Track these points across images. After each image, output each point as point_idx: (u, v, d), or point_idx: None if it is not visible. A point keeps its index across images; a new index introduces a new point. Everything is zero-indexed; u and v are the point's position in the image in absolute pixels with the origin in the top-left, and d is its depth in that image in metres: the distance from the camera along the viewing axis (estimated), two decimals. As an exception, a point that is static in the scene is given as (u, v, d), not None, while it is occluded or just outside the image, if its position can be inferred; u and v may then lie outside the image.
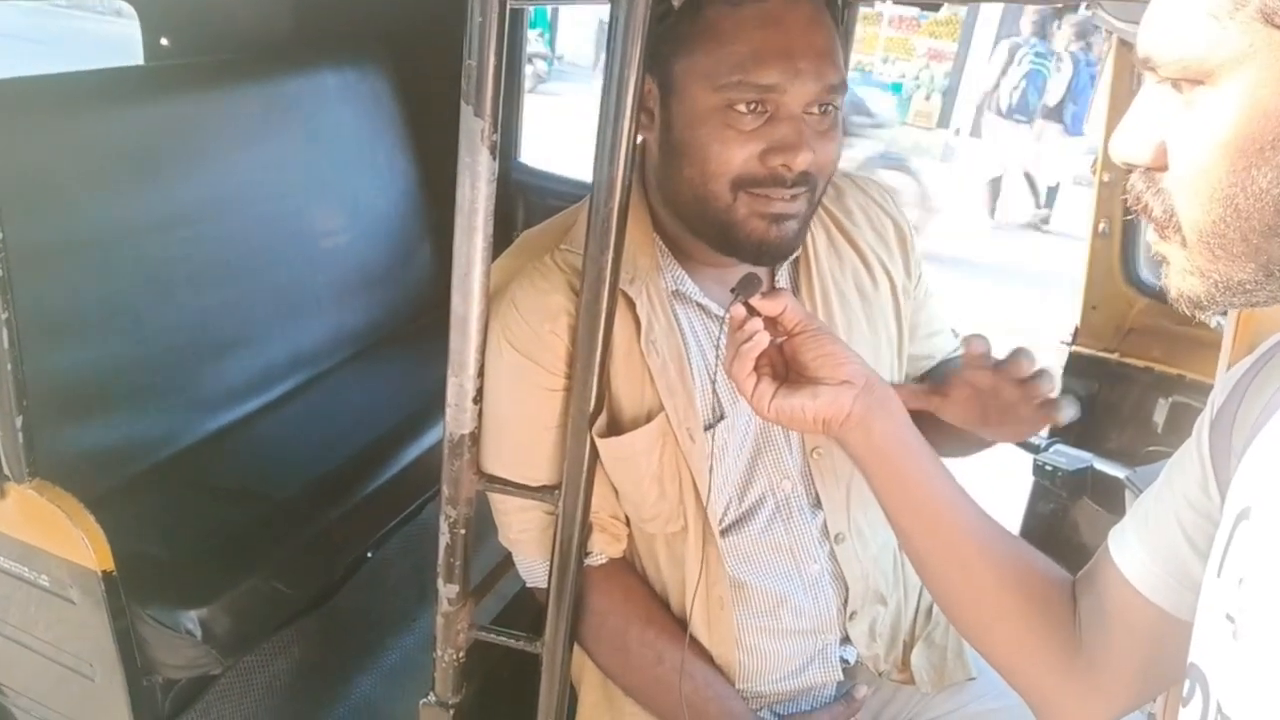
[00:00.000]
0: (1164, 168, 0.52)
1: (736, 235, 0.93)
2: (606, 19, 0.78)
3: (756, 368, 0.84)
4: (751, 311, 0.84)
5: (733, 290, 0.86)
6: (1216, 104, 0.47)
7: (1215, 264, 0.51)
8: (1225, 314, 1.06)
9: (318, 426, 1.91)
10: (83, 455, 1.55)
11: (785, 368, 0.87)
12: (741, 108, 0.88)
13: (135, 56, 2.32)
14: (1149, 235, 0.56)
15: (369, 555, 1.74)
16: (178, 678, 1.43)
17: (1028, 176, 7.71)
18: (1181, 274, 0.53)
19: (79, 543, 1.26)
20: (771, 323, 0.85)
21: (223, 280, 1.85)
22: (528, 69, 3.15)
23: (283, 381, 1.99)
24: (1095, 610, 0.75)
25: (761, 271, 0.97)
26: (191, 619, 1.37)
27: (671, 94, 0.92)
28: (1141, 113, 0.53)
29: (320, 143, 2.13)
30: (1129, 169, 0.55)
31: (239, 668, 1.53)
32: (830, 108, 0.92)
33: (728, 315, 0.86)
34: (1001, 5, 10.16)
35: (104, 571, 1.27)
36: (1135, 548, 0.71)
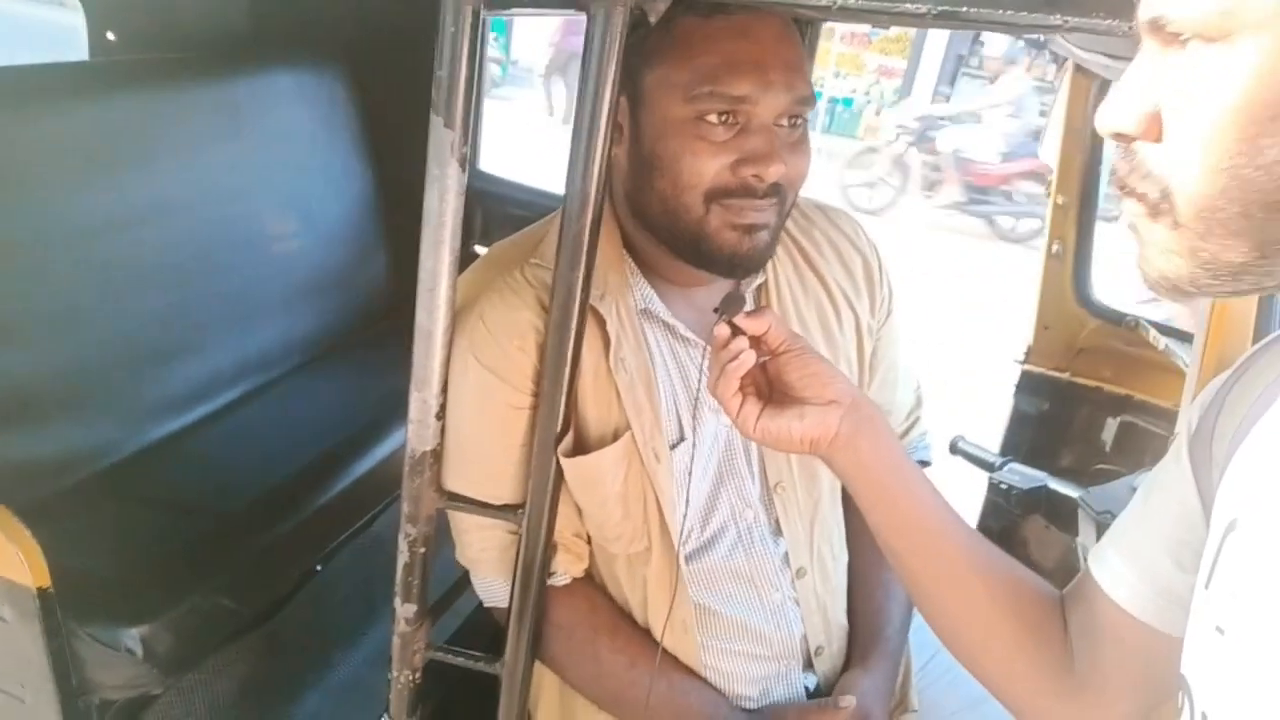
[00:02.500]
0: (1155, 138, 0.50)
1: (708, 247, 0.92)
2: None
3: (741, 388, 0.83)
4: (735, 330, 0.83)
5: (716, 309, 0.85)
6: (1230, 65, 0.45)
7: (1207, 242, 0.48)
8: (1191, 336, 1.08)
9: (266, 436, 1.86)
10: (18, 465, 1.50)
11: (769, 388, 0.86)
12: (713, 118, 0.87)
13: (79, 50, 2.25)
14: (1129, 215, 0.52)
15: (318, 569, 1.70)
16: (115, 698, 1.37)
17: None
18: (1165, 254, 0.50)
19: (13, 558, 1.20)
20: (755, 342, 0.84)
21: (168, 284, 1.80)
22: (484, 74, 3.13)
23: (230, 389, 1.94)
24: (1085, 629, 0.75)
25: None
26: (132, 636, 1.32)
27: (641, 106, 0.91)
28: (1136, 80, 0.50)
29: (273, 145, 2.08)
30: (1117, 139, 0.52)
31: (180, 686, 1.48)
32: (800, 119, 0.92)
33: (709, 340, 0.85)
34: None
35: (40, 588, 1.21)
36: (1120, 568, 0.71)
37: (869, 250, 1.14)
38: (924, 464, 1.27)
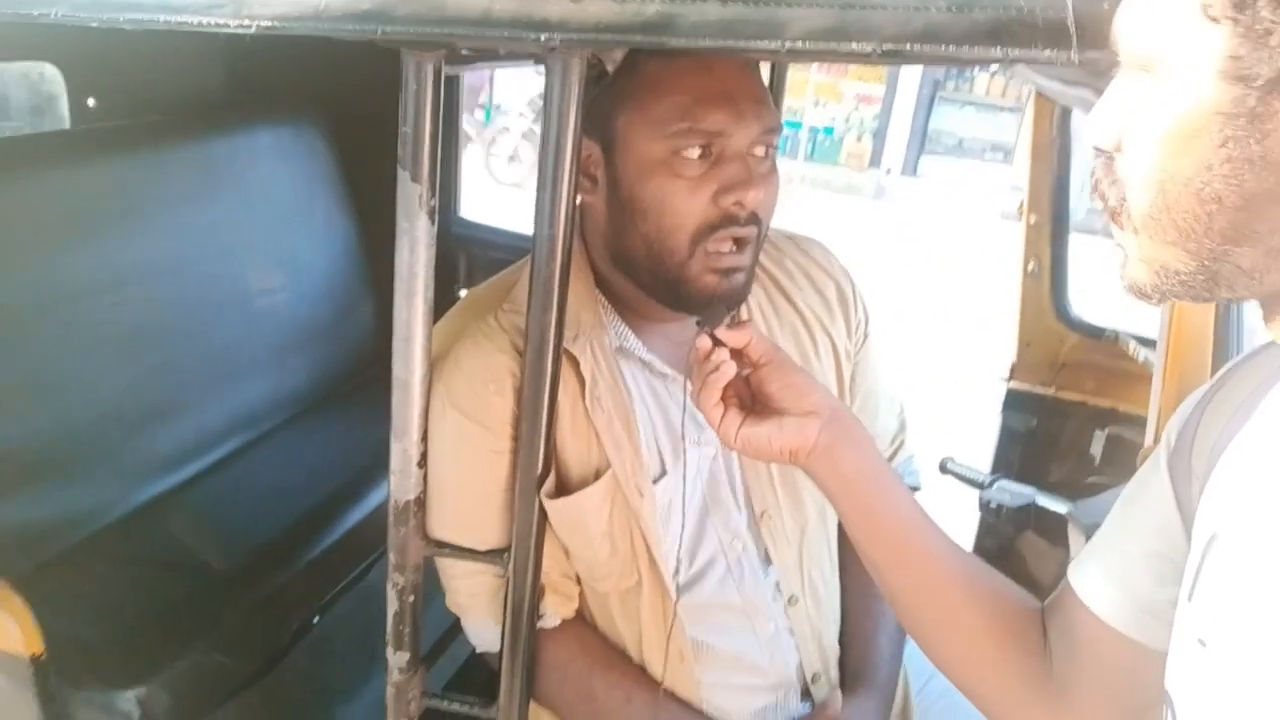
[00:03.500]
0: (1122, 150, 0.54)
1: (688, 290, 0.94)
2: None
3: (723, 399, 0.85)
4: (717, 343, 0.85)
5: (698, 321, 0.86)
6: (1158, 93, 0.49)
7: (1156, 251, 0.52)
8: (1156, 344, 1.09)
9: (258, 491, 1.86)
10: (8, 531, 1.49)
11: (752, 399, 0.87)
12: (688, 153, 0.89)
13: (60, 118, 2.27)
14: (1111, 230, 0.57)
15: (315, 621, 1.69)
16: (113, 763, 1.36)
17: None
18: (1134, 262, 0.55)
19: (5, 626, 1.20)
20: (737, 354, 0.85)
21: (155, 344, 1.81)
22: (465, 117, 3.14)
23: (220, 446, 1.94)
24: (1064, 640, 0.75)
25: None
26: (129, 699, 1.32)
27: (615, 151, 0.93)
28: (1112, 98, 0.54)
29: (255, 201, 2.10)
30: (1097, 152, 0.56)
31: (179, 747, 1.47)
32: (770, 149, 0.94)
33: (686, 374, 0.87)
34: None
35: (33, 655, 1.21)
36: (1099, 580, 0.72)
37: (841, 275, 1.16)
38: (913, 489, 1.27)
